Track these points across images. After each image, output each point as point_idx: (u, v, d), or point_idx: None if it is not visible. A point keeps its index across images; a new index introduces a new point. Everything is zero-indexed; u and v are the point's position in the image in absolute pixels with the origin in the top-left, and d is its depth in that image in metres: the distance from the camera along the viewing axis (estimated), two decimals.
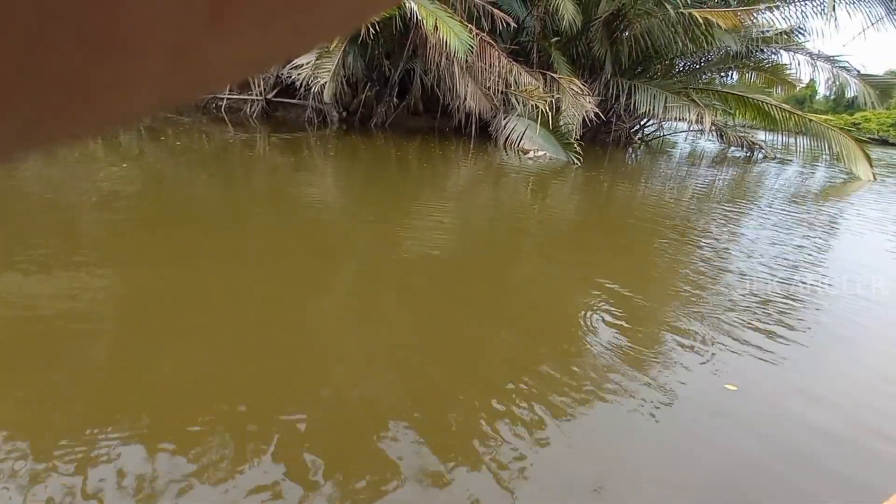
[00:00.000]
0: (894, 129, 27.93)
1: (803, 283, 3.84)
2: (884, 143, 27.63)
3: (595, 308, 2.95)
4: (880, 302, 3.62)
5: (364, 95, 11.44)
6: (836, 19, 10.61)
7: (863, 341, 3.03)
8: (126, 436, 1.58)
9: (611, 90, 11.31)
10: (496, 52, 9.84)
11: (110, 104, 0.09)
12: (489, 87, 10.10)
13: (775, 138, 13.04)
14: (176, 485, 1.43)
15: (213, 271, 2.90)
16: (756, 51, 12.25)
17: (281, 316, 2.51)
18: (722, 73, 13.84)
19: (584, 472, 1.69)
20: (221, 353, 2.12)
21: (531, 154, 9.52)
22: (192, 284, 2.69)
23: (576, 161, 9.09)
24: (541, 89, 9.88)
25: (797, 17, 11.21)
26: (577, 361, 2.35)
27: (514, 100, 10.08)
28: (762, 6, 10.06)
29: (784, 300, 3.40)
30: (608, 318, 2.83)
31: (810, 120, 11.14)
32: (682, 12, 9.59)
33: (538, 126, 9.55)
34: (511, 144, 9.91)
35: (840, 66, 12.15)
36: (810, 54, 12.39)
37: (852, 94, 13.83)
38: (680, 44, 10.58)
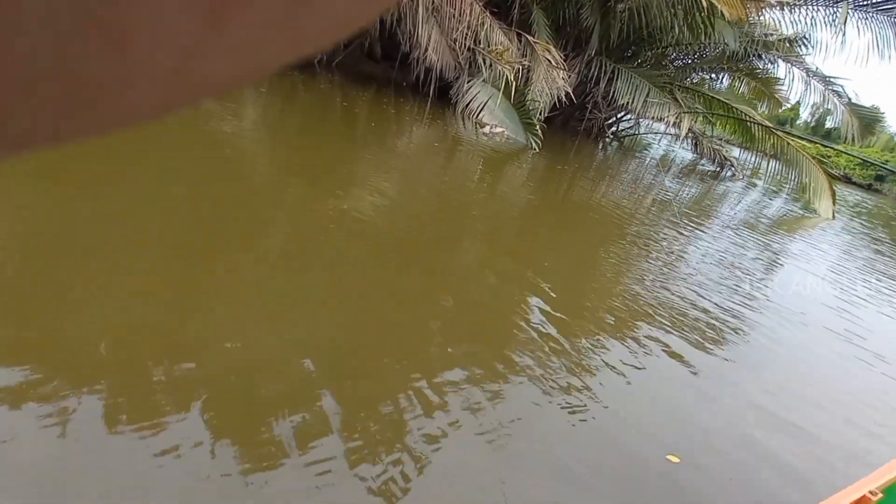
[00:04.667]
0: (860, 169, 28.36)
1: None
2: (847, 180, 28.04)
3: (526, 322, 2.71)
4: None
5: None
6: (844, 34, 9.62)
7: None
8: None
9: (592, 70, 9.99)
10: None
11: (119, 104, 0.09)
12: (455, 40, 8.55)
13: (748, 158, 12.27)
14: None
15: (117, 217, 2.51)
16: (753, 55, 11.17)
17: (183, 275, 2.20)
18: (713, 76, 12.77)
19: None
20: (126, 308, 1.86)
21: (487, 129, 8.16)
22: (91, 229, 2.35)
23: (534, 145, 7.82)
24: (512, 52, 8.44)
25: (805, 24, 10.15)
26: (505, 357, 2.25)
27: (481, 60, 8.59)
28: (773, 0, 8.89)
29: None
30: (538, 327, 2.66)
31: (788, 143, 10.30)
32: None
33: (500, 96, 8.16)
34: (470, 115, 8.49)
35: (833, 89, 11.32)
36: (807, 70, 11.47)
37: (835, 124, 13.20)
38: (676, 29, 9.31)
